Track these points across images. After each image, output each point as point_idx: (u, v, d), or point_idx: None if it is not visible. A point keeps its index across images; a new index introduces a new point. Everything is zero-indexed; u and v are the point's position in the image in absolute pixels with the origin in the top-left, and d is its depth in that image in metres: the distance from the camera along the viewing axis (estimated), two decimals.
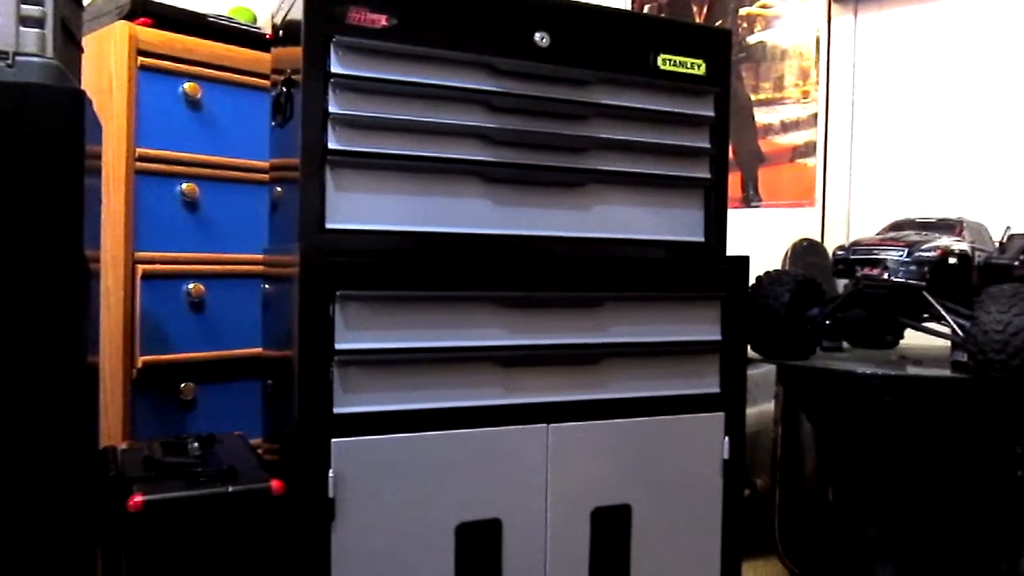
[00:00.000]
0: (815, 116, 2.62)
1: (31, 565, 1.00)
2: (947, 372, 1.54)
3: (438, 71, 1.29)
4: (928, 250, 1.54)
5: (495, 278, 1.29)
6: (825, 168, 2.59)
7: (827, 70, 2.60)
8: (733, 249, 1.53)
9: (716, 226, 1.50)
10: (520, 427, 1.31)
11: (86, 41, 1.37)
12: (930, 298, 1.53)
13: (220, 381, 1.88)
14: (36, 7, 1.01)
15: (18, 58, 0.99)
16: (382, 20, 1.25)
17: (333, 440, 1.19)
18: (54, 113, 0.99)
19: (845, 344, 1.88)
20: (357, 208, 1.25)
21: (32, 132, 0.98)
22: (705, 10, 2.93)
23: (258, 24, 2.21)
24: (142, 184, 1.77)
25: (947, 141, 2.35)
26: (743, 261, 1.50)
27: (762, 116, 2.75)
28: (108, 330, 1.74)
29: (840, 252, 1.66)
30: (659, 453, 1.42)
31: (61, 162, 1.00)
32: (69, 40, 1.12)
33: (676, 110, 1.46)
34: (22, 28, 1.00)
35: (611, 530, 1.38)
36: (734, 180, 2.74)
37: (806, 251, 2.31)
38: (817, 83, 2.62)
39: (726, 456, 1.47)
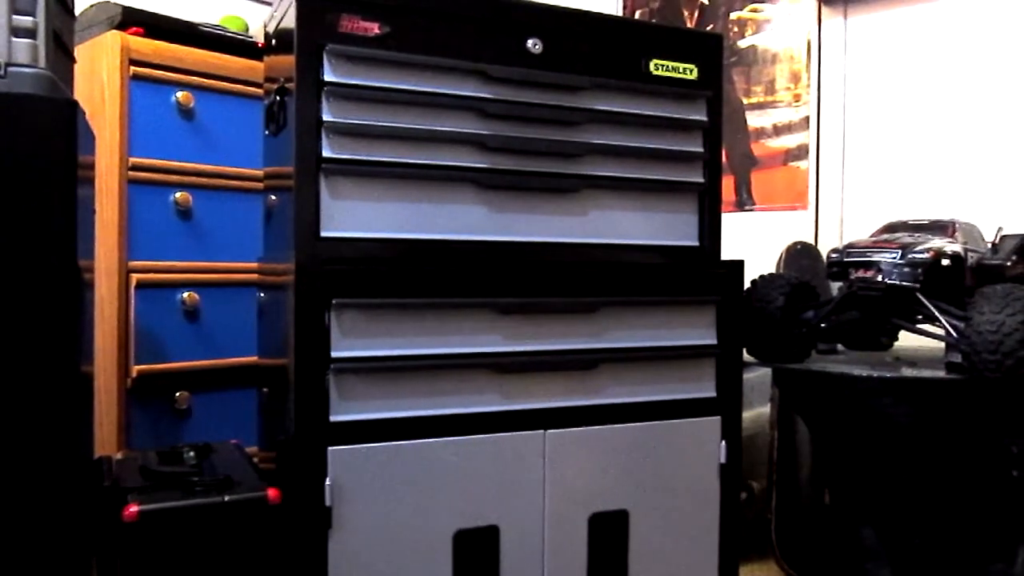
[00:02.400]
0: (807, 119, 2.63)
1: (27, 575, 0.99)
2: (941, 373, 1.55)
3: (431, 78, 1.29)
4: (921, 252, 1.55)
5: (490, 285, 1.29)
6: (818, 171, 2.60)
7: (818, 73, 2.61)
8: (727, 253, 1.53)
9: (710, 230, 1.51)
10: (517, 433, 1.31)
11: (78, 51, 1.37)
12: (924, 299, 1.53)
13: (215, 390, 1.88)
14: (28, 18, 1.01)
15: (10, 69, 0.99)
16: (374, 28, 1.25)
17: (330, 448, 1.18)
18: (47, 123, 0.99)
19: (840, 346, 1.88)
20: (352, 216, 1.25)
21: (25, 142, 0.98)
22: (696, 15, 2.94)
23: (250, 33, 2.21)
24: (135, 193, 1.77)
25: (939, 142, 2.36)
26: (737, 265, 1.50)
27: (754, 120, 2.76)
28: (102, 340, 1.74)
29: (834, 255, 1.66)
30: (656, 458, 1.42)
31: (54, 172, 1.00)
32: (61, 50, 1.12)
33: (669, 115, 1.47)
34: (14, 39, 1.00)
35: (609, 535, 1.38)
36: (727, 184, 2.75)
37: (800, 254, 2.32)
38: (808, 86, 2.63)
39: (723, 460, 1.47)
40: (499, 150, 1.34)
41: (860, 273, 1.59)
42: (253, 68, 1.90)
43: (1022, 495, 1.67)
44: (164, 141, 1.81)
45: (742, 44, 2.79)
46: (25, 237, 0.98)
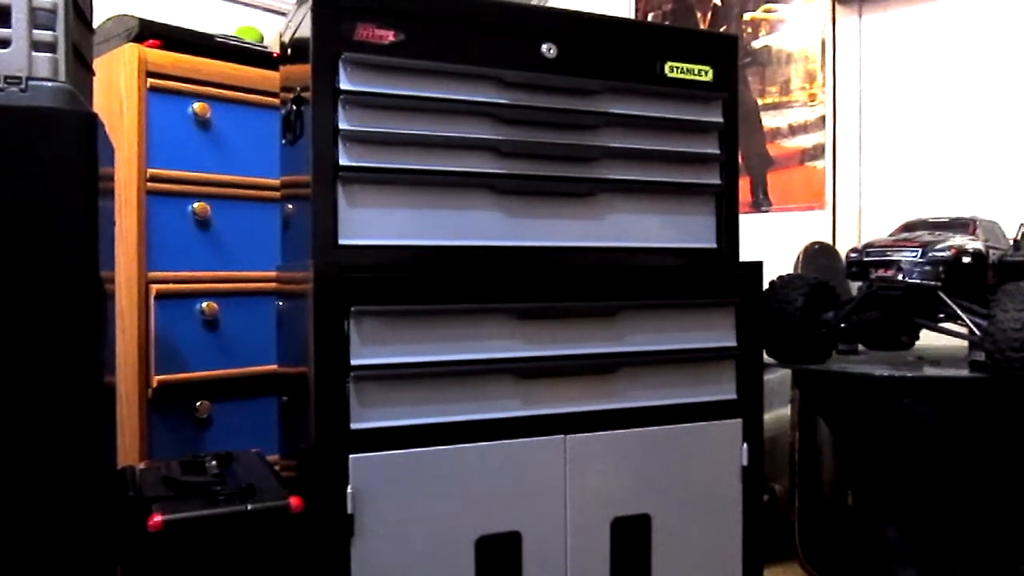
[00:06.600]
0: (823, 119, 2.61)
1: None
2: (965, 372, 1.53)
3: (446, 85, 1.29)
4: (942, 250, 1.53)
5: (509, 290, 1.29)
6: (835, 170, 2.58)
7: (833, 72, 2.59)
8: (744, 254, 1.52)
9: (728, 232, 1.50)
10: (538, 439, 1.30)
11: (96, 64, 1.39)
12: (945, 298, 1.52)
13: (235, 398, 1.89)
14: (48, 32, 1.01)
15: (31, 83, 1.00)
16: (389, 36, 1.26)
17: (351, 456, 1.19)
18: (67, 136, 1.00)
19: (861, 347, 1.87)
20: (369, 223, 1.25)
21: (46, 155, 0.99)
22: (709, 16, 2.93)
23: (265, 43, 2.23)
24: (154, 204, 1.78)
25: (957, 139, 2.34)
26: (756, 266, 1.49)
27: (769, 120, 2.75)
28: (123, 350, 1.75)
29: (853, 254, 1.65)
30: (677, 461, 1.41)
31: (75, 185, 1.01)
32: (81, 64, 1.13)
33: (684, 117, 1.46)
34: (34, 53, 1.01)
35: (631, 540, 1.38)
36: (743, 185, 2.74)
37: (818, 254, 2.30)
38: (824, 85, 2.61)
39: (744, 463, 1.46)
40: (515, 155, 1.34)
41: (880, 272, 1.58)
42: (269, 78, 1.92)
43: None
44: (182, 152, 1.82)
45: (756, 45, 2.78)
46: (47, 249, 0.99)
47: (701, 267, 1.46)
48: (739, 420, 1.46)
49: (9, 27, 0.99)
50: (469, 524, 1.26)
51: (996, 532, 1.70)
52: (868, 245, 1.64)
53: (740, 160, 2.66)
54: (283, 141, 1.45)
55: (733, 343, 1.47)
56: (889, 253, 1.58)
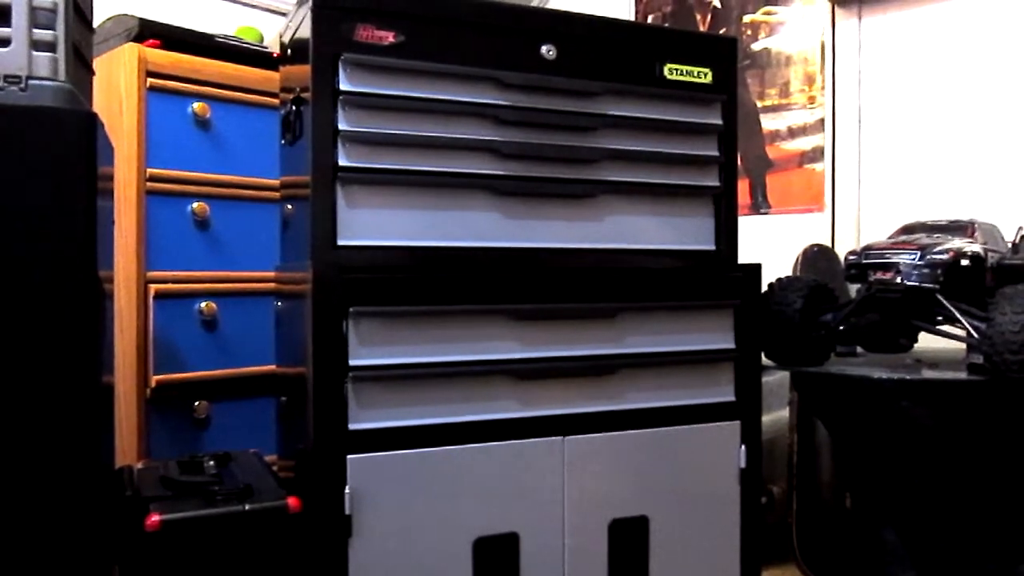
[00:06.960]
0: (822, 121, 2.61)
1: None
2: (963, 375, 1.53)
3: (446, 86, 1.29)
4: (940, 252, 1.53)
5: (507, 291, 1.29)
6: (834, 173, 2.58)
7: (832, 75, 2.60)
8: (743, 256, 1.52)
9: (727, 234, 1.50)
10: (536, 440, 1.31)
11: (96, 63, 1.39)
12: (944, 301, 1.52)
13: (234, 399, 1.89)
14: (48, 32, 1.02)
15: (31, 82, 1.00)
16: (389, 37, 1.26)
17: (349, 456, 1.19)
18: (67, 136, 1.00)
19: (859, 349, 1.87)
20: (368, 224, 1.25)
21: (46, 155, 0.99)
22: (709, 18, 2.93)
23: (265, 43, 2.23)
24: (153, 204, 1.78)
25: (956, 142, 2.34)
26: (755, 269, 1.49)
27: (769, 122, 2.75)
28: (122, 349, 1.75)
29: (852, 257, 1.65)
30: (676, 463, 1.41)
31: (74, 184, 1.01)
32: (80, 63, 1.13)
33: (684, 119, 1.46)
34: (34, 52, 1.01)
35: (629, 542, 1.38)
36: (742, 187, 2.74)
37: (817, 256, 2.30)
38: (823, 88, 2.61)
39: (743, 465, 1.46)
40: (514, 156, 1.34)
41: (879, 275, 1.58)
42: (269, 78, 1.92)
43: None
44: (181, 152, 1.82)
45: (755, 47, 2.78)
46: (46, 248, 0.99)
47: (700, 269, 1.46)
48: (737, 422, 1.47)
49: (9, 26, 0.99)
50: (467, 525, 1.26)
51: (995, 534, 1.70)
52: (867, 247, 1.64)
53: (739, 162, 2.66)
54: (283, 141, 1.45)
55: (732, 345, 1.47)
56: (888, 255, 1.58)
